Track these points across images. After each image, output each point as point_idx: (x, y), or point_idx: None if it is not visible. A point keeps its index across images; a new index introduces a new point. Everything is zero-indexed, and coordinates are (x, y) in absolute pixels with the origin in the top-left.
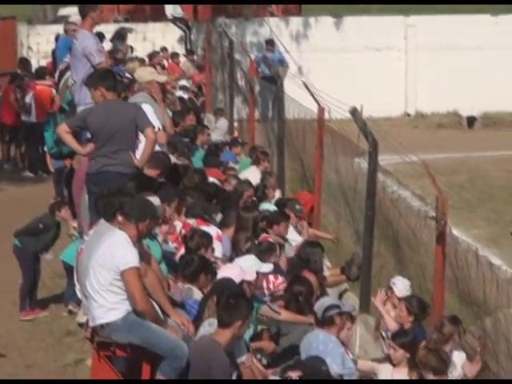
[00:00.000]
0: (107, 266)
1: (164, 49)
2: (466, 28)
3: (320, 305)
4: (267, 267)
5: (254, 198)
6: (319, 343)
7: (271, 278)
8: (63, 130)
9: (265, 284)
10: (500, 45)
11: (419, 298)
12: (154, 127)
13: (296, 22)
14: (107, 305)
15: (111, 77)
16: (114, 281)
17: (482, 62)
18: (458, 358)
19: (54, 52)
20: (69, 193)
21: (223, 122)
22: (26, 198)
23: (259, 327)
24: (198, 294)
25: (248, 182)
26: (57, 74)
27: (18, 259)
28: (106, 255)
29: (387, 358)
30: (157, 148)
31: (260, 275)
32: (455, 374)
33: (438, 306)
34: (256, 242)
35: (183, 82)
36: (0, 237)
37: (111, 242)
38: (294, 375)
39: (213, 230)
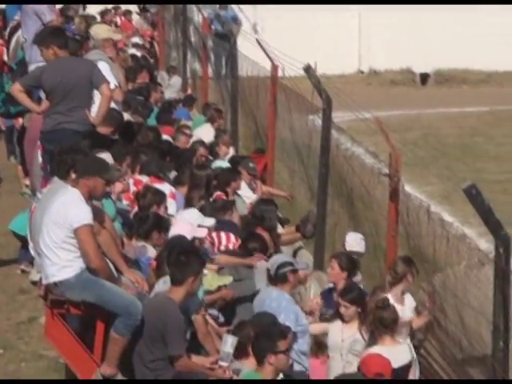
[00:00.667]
0: (60, 223)
1: (117, 7)
2: None
3: (273, 262)
4: (209, 221)
5: (210, 157)
6: (272, 300)
7: (233, 238)
8: (16, 89)
9: (224, 242)
10: (453, 3)
11: (348, 254)
12: (109, 84)
13: None
14: (60, 262)
15: (62, 34)
16: (67, 238)
17: (435, 20)
18: (410, 301)
19: (4, 10)
20: (21, 151)
21: (176, 80)
22: None
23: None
24: (151, 252)
25: (201, 141)
26: (7, 32)
27: None
28: (59, 213)
29: (337, 316)
30: (112, 105)
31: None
32: (405, 318)
33: (390, 262)
34: (211, 199)
35: (136, 40)
36: None
37: (64, 200)
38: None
39: (166, 188)
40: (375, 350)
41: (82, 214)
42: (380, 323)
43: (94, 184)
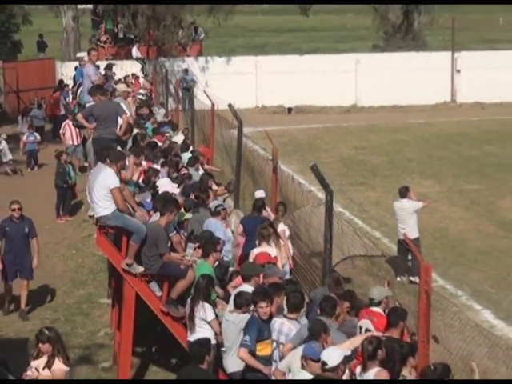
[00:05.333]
0: (103, 186)
1: (132, 74)
2: (294, 63)
3: (213, 205)
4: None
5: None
6: (212, 225)
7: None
8: (79, 117)
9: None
10: (306, 68)
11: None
12: (127, 114)
13: (201, 59)
14: (103, 206)
15: (101, 88)
16: (106, 194)
17: (294, 77)
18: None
19: (74, 76)
20: (83, 148)
21: (162, 110)
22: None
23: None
24: (149, 198)
25: (174, 142)
26: (76, 87)
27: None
28: (102, 181)
29: None
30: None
31: None
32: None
33: (273, 206)
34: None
35: (141, 91)
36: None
37: (104, 173)
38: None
39: (156, 166)
40: (259, 249)
41: (115, 181)
42: (261, 236)
43: (112, 166)
